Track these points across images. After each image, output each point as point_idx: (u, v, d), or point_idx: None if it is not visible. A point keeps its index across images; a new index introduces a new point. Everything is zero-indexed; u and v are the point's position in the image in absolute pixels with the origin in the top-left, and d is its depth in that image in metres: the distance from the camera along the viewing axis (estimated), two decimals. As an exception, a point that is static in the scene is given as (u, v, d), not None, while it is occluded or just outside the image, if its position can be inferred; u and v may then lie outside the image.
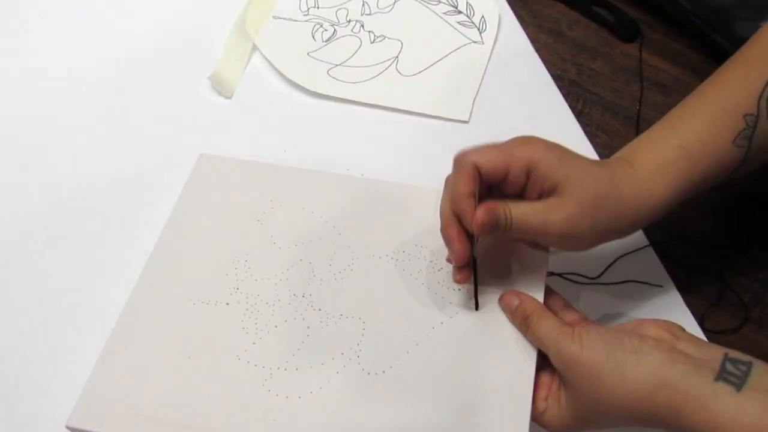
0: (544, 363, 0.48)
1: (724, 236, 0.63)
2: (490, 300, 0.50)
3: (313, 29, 0.76)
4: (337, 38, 0.75)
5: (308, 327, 0.51)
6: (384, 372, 0.49)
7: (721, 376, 0.41)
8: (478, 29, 0.76)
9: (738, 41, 0.54)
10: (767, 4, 0.66)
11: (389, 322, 0.51)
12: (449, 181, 0.49)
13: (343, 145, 0.68)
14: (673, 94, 0.71)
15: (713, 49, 0.72)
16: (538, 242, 0.51)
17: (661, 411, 0.41)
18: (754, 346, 0.57)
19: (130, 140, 0.69)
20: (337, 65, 0.73)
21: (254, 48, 0.75)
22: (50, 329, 0.58)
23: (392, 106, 0.70)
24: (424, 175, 0.60)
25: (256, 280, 0.53)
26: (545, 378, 0.48)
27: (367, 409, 0.47)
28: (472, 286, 0.51)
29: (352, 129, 0.69)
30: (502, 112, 0.70)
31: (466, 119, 0.69)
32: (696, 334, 0.50)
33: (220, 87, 0.72)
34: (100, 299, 0.58)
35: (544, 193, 0.48)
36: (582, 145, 0.67)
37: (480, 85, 0.71)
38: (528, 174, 0.48)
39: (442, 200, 0.49)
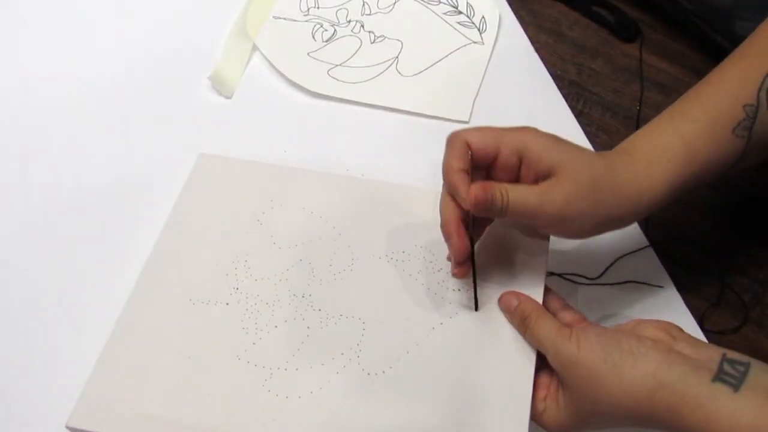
0: (543, 364, 0.48)
1: (724, 236, 0.63)
2: (490, 300, 0.51)
3: (313, 29, 0.76)
4: (338, 38, 0.75)
5: (308, 327, 0.51)
6: (384, 372, 0.49)
7: (719, 376, 0.41)
8: (479, 29, 0.76)
9: (738, 41, 0.54)
10: (767, 4, 0.66)
11: (389, 322, 0.51)
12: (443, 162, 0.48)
13: (343, 145, 0.68)
14: (673, 94, 0.71)
15: (713, 49, 0.72)
16: (537, 229, 0.51)
17: (659, 412, 0.41)
18: (754, 346, 0.57)
19: (130, 140, 0.69)
20: (337, 65, 0.73)
21: (254, 48, 0.75)
22: (50, 329, 0.58)
23: (392, 106, 0.70)
24: (425, 176, 0.60)
25: (255, 280, 0.53)
26: (544, 378, 0.48)
27: (367, 409, 0.47)
28: (471, 287, 0.51)
29: (352, 129, 0.69)
30: (502, 112, 0.70)
31: (467, 119, 0.69)
32: (696, 335, 0.50)
33: (220, 87, 0.72)
34: (100, 299, 0.58)
35: (540, 177, 0.48)
36: (582, 145, 0.67)
37: (480, 86, 0.71)
38: (520, 157, 0.48)
39: (441, 197, 0.49)
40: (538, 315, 0.48)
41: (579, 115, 0.70)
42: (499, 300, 0.50)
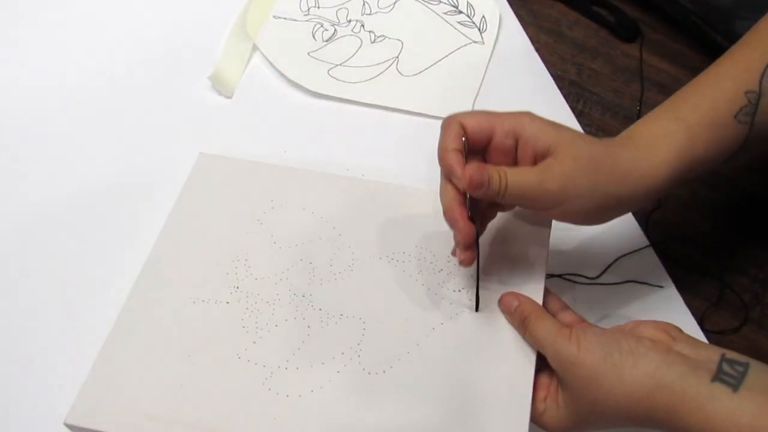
0: (543, 364, 0.48)
1: (724, 236, 0.63)
2: (490, 301, 0.51)
3: (313, 29, 0.76)
4: (338, 38, 0.75)
5: (308, 326, 0.51)
6: (384, 372, 0.49)
7: (718, 376, 0.41)
8: (479, 29, 0.76)
9: (738, 41, 0.54)
10: (767, 4, 0.66)
11: (389, 322, 0.51)
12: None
13: (343, 145, 0.68)
14: (674, 94, 0.71)
15: (713, 49, 0.71)
16: (538, 213, 0.50)
17: (659, 412, 0.42)
18: (754, 346, 0.57)
19: (130, 140, 0.69)
20: (337, 65, 0.73)
21: (254, 48, 0.75)
22: (50, 328, 0.58)
23: (393, 106, 0.70)
24: (425, 176, 0.60)
25: (256, 279, 0.53)
26: (544, 379, 0.48)
27: (367, 408, 0.47)
28: (471, 287, 0.51)
29: (352, 129, 0.69)
30: (502, 112, 0.70)
31: (467, 119, 0.69)
32: (696, 335, 0.50)
33: (220, 87, 0.72)
34: (99, 298, 0.58)
35: (539, 158, 0.47)
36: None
37: (480, 86, 0.71)
38: (516, 138, 0.47)
39: (440, 185, 0.49)
40: (537, 315, 0.48)
41: (579, 115, 0.70)
42: (499, 301, 0.50)
